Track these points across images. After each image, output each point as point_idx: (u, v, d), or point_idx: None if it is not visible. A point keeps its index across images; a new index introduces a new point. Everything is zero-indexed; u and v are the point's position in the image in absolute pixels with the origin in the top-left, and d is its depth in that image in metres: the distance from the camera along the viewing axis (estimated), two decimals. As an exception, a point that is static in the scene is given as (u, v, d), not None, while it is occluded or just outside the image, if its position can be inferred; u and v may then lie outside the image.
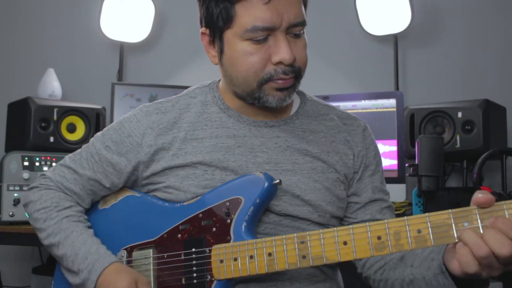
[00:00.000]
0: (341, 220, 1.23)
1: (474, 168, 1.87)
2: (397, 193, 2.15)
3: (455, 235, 0.88)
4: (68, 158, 1.29)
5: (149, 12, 2.58)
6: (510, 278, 1.90)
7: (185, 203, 1.14)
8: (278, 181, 1.09)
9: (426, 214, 0.91)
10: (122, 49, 2.65)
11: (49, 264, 2.41)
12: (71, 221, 1.20)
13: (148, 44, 2.71)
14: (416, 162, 1.96)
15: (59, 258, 1.19)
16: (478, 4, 2.56)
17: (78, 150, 1.29)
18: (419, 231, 0.91)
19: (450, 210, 0.89)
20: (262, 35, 1.08)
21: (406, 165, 2.12)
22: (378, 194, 1.24)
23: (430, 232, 0.90)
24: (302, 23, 1.10)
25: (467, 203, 2.07)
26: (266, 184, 1.08)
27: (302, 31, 1.12)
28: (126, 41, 2.61)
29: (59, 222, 1.20)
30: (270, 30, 1.08)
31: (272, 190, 1.09)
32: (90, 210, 1.28)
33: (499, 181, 2.09)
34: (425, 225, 0.90)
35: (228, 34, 1.12)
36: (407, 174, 2.11)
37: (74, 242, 1.16)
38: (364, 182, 1.23)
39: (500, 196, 1.81)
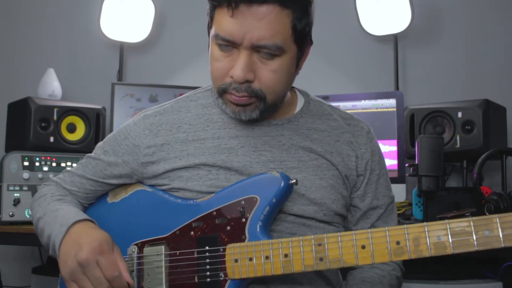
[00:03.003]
0: (344, 219, 1.23)
1: (474, 168, 1.87)
2: (397, 193, 2.14)
3: (475, 243, 0.88)
4: (70, 167, 1.34)
5: (149, 12, 2.58)
6: (510, 278, 1.90)
7: (198, 200, 1.14)
8: (294, 181, 1.08)
9: (446, 221, 0.91)
10: (122, 49, 2.65)
11: (49, 264, 2.41)
12: (62, 202, 1.23)
13: (148, 44, 2.71)
14: (416, 162, 1.95)
15: (42, 230, 1.18)
16: (478, 4, 2.56)
17: (81, 160, 1.32)
18: (438, 238, 0.91)
19: (470, 218, 0.89)
20: (224, 43, 1.08)
21: (406, 165, 2.12)
22: (382, 199, 1.25)
23: (450, 239, 0.90)
24: (269, 47, 1.05)
25: (467, 203, 2.06)
26: (282, 184, 1.07)
27: (273, 56, 1.07)
28: (126, 41, 2.61)
29: (51, 203, 1.22)
30: (232, 43, 1.07)
31: (289, 190, 1.08)
32: (99, 203, 1.29)
33: (499, 181, 2.09)
34: (445, 232, 0.90)
35: (210, 34, 1.14)
36: (407, 174, 2.11)
37: (58, 210, 1.18)
38: (371, 187, 1.23)
39: (500, 196, 1.81)
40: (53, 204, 1.22)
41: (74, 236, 1.09)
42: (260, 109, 1.12)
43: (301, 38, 1.11)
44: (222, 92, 1.12)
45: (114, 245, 1.09)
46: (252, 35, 1.04)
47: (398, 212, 2.15)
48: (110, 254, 1.05)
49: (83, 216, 1.15)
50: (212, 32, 1.10)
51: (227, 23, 1.05)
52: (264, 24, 1.04)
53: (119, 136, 1.24)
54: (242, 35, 1.05)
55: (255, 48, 1.06)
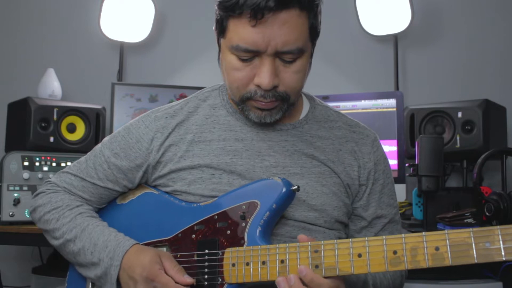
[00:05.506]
0: (345, 226, 1.23)
1: (474, 168, 1.87)
2: (397, 193, 2.13)
3: (475, 256, 0.85)
4: (73, 166, 1.28)
5: (149, 12, 2.58)
6: (510, 278, 1.90)
7: (201, 204, 1.14)
8: (296, 187, 1.07)
9: (445, 231, 0.88)
10: (122, 49, 2.65)
11: (49, 264, 2.41)
12: (84, 217, 1.21)
13: (148, 44, 2.71)
14: (416, 162, 1.96)
15: (76, 253, 1.18)
16: (478, 4, 2.56)
17: (83, 159, 1.28)
18: (437, 249, 0.88)
19: (471, 229, 0.86)
20: (246, 56, 1.06)
21: (406, 165, 2.12)
22: (386, 209, 1.24)
23: (449, 250, 0.87)
24: (293, 51, 1.06)
25: (467, 203, 2.05)
26: (283, 190, 1.06)
27: (295, 59, 1.07)
28: (126, 41, 2.61)
29: (73, 219, 1.20)
30: (254, 53, 1.06)
31: (290, 196, 1.08)
32: (108, 205, 1.28)
33: (499, 181, 2.09)
34: (444, 243, 0.87)
35: (222, 43, 1.12)
36: (407, 174, 2.11)
37: (91, 233, 1.16)
38: (374, 197, 1.22)
39: (500, 196, 1.81)
40: (80, 223, 1.19)
41: (127, 270, 1.10)
42: (284, 110, 1.13)
43: (315, 35, 1.13)
44: (245, 100, 1.11)
45: (162, 256, 1.09)
46: (276, 42, 1.03)
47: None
48: (161, 275, 1.06)
49: (127, 243, 1.14)
50: (229, 42, 1.08)
51: (249, 33, 1.03)
52: (286, 29, 1.03)
53: (131, 139, 1.21)
54: (266, 44, 1.03)
55: (278, 54, 1.06)
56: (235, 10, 1.03)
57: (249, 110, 1.13)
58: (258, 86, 1.08)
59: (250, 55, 1.06)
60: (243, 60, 1.07)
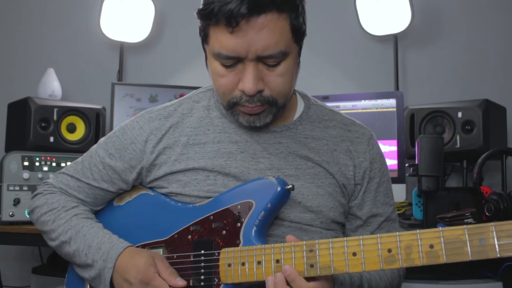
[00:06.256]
0: (342, 226, 1.23)
1: (474, 168, 1.87)
2: (397, 193, 2.15)
3: (470, 253, 0.85)
4: (69, 167, 1.29)
5: (149, 12, 2.58)
6: (510, 278, 1.90)
7: (197, 204, 1.14)
8: (290, 186, 1.07)
9: (440, 228, 0.88)
10: (122, 49, 2.65)
11: (49, 264, 2.41)
12: (80, 218, 1.21)
13: (148, 44, 2.71)
14: (416, 162, 1.95)
15: (71, 255, 1.19)
16: (478, 4, 2.56)
17: (79, 159, 1.29)
18: (431, 246, 0.88)
19: (465, 226, 0.86)
20: (229, 62, 1.06)
21: (406, 165, 2.12)
22: (381, 208, 1.23)
23: (443, 247, 0.87)
24: (275, 56, 1.04)
25: (467, 203, 2.05)
26: (278, 189, 1.06)
27: (279, 62, 1.06)
28: (126, 41, 2.61)
29: (68, 221, 1.20)
30: (236, 59, 1.05)
31: (285, 195, 1.08)
32: (105, 206, 1.29)
33: (499, 181, 2.09)
34: (438, 240, 0.87)
35: (207, 49, 1.12)
36: (407, 174, 2.11)
37: (86, 235, 1.17)
38: (369, 196, 1.21)
39: (500, 196, 1.81)
40: (75, 225, 1.20)
41: (120, 272, 1.11)
42: (273, 113, 1.12)
43: (300, 36, 1.11)
44: (232, 105, 1.11)
45: (156, 259, 1.10)
46: (256, 47, 1.03)
47: (398, 212, 2.15)
48: (156, 278, 1.07)
49: (121, 246, 1.14)
50: (211, 49, 1.08)
51: (228, 40, 1.03)
52: (265, 33, 1.02)
53: (125, 140, 1.22)
54: (246, 49, 1.03)
55: (261, 59, 1.05)
56: (211, 18, 1.04)
57: (237, 115, 1.12)
58: (243, 91, 1.07)
59: (233, 61, 1.06)
60: (226, 66, 1.07)
